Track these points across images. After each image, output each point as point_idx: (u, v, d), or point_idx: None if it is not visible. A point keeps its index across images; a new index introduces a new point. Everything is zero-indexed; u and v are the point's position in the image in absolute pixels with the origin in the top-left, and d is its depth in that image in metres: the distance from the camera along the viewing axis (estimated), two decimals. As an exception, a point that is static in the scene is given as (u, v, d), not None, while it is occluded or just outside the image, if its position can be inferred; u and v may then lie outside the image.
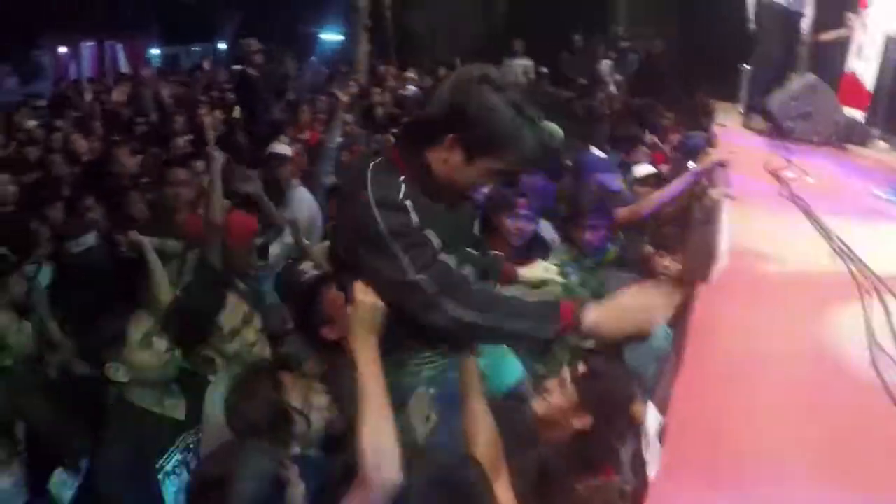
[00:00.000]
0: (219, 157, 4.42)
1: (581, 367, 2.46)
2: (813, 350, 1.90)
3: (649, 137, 6.55)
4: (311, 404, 2.38)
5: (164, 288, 4.02)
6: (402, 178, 2.00)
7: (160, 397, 2.70)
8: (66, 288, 4.25)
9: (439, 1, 19.59)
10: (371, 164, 2.04)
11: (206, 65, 18.90)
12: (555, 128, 6.16)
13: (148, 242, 4.23)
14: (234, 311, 2.85)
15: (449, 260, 2.00)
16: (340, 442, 2.30)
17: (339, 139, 6.30)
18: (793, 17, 5.08)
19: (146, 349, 2.61)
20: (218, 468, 1.97)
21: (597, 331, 1.91)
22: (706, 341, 1.93)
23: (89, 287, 4.14)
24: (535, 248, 4.25)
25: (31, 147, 8.97)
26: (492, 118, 1.94)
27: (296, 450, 2.28)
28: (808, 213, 2.88)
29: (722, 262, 2.36)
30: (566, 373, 2.47)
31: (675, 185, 4.29)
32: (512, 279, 2.67)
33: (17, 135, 10.96)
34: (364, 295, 1.97)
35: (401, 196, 1.96)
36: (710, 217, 3.46)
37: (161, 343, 2.65)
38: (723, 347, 1.92)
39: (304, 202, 5.42)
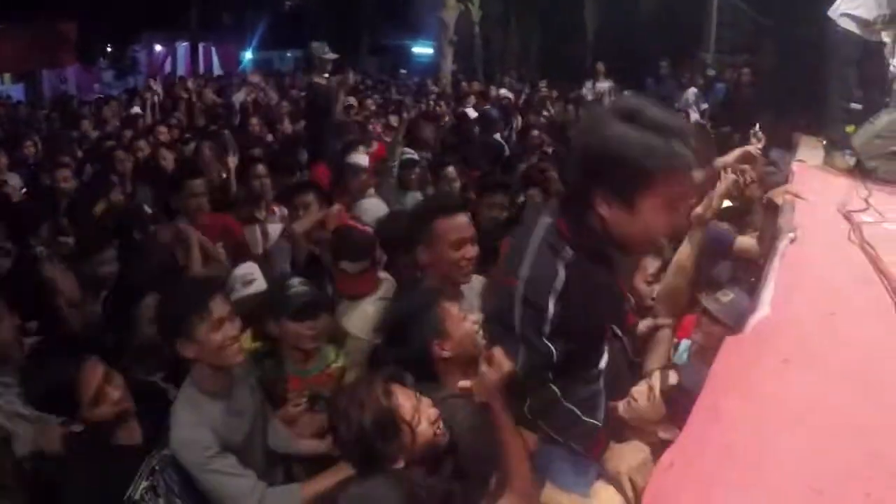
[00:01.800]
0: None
1: (672, 378, 2.42)
2: (856, 432, 1.54)
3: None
4: (419, 417, 2.29)
5: None
6: (566, 255, 1.90)
7: (116, 429, 2.60)
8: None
9: (528, 22, 19.48)
10: (541, 236, 1.96)
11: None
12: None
13: (195, 236, 4.18)
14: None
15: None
16: (443, 460, 2.34)
17: (402, 157, 6.20)
18: (871, 46, 4.63)
19: (99, 404, 2.51)
20: None
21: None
22: (724, 399, 1.63)
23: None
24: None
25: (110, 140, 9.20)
26: (625, 152, 1.73)
27: (400, 464, 2.26)
28: (876, 264, 2.53)
29: (762, 312, 2.05)
30: (655, 381, 2.44)
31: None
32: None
33: (105, 127, 11.30)
34: (505, 360, 2.02)
35: (550, 294, 1.89)
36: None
37: (114, 392, 2.54)
38: (743, 410, 1.61)
39: (371, 212, 5.25)
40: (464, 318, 2.61)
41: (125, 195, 6.18)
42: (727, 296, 3.23)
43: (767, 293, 2.15)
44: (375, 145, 7.63)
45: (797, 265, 2.54)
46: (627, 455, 2.23)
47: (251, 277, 3.55)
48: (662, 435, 2.36)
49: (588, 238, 1.91)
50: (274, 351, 3.21)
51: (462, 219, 3.03)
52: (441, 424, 2.33)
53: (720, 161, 3.89)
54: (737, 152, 3.93)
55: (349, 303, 3.60)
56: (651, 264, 3.20)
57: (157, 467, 2.57)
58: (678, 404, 2.29)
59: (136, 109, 11.67)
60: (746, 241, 4.15)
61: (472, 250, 3.02)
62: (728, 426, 1.47)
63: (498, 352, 2.05)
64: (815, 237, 2.97)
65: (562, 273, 1.89)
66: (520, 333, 1.96)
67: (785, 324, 1.99)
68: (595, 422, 2.13)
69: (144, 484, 2.51)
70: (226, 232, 4.78)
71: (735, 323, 3.04)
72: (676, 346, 3.41)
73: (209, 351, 2.62)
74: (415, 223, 3.16)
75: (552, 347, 1.95)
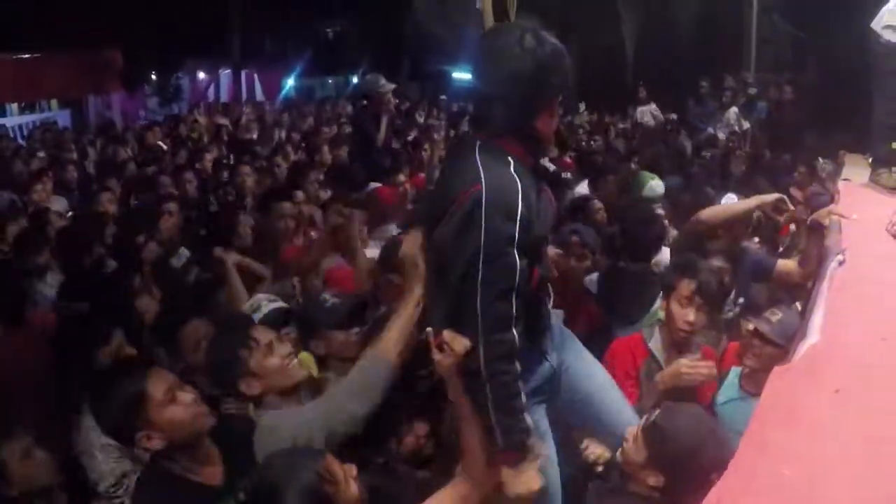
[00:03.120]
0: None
1: (653, 416, 2.25)
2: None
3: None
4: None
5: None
6: (512, 165, 2.05)
7: (195, 461, 2.44)
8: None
9: (567, 44, 19.46)
10: (477, 156, 2.08)
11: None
12: (648, 177, 5.88)
13: (231, 261, 4.19)
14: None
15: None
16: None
17: None
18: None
19: (171, 405, 2.36)
20: (269, 476, 2.01)
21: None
22: (773, 432, 1.56)
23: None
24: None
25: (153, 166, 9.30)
26: (553, 67, 2.09)
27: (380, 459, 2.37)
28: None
29: (812, 339, 1.97)
30: (642, 421, 2.27)
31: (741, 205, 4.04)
32: None
33: (145, 153, 11.44)
34: (455, 341, 2.02)
35: (518, 196, 1.99)
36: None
37: (186, 395, 2.40)
38: (792, 444, 1.53)
39: None
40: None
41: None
42: (776, 315, 3.15)
43: (817, 319, 2.06)
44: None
45: (846, 289, 2.45)
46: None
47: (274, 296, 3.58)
48: (650, 482, 2.20)
49: (532, 148, 2.18)
50: None
51: None
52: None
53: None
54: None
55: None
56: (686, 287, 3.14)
57: None
58: (660, 447, 2.18)
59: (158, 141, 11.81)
60: (788, 264, 4.07)
61: None
62: (777, 460, 1.40)
63: (448, 335, 2.03)
64: (863, 259, 2.87)
65: (517, 179, 2.02)
66: (483, 249, 1.96)
67: (836, 351, 1.91)
68: (527, 425, 2.11)
69: None
70: None
71: (787, 342, 2.98)
72: (725, 375, 3.33)
73: (272, 376, 2.57)
74: None
75: (518, 261, 1.99)
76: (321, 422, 2.41)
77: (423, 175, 7.46)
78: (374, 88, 8.23)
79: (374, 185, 6.11)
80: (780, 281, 3.98)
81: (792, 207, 4.02)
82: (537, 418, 2.27)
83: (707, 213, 3.93)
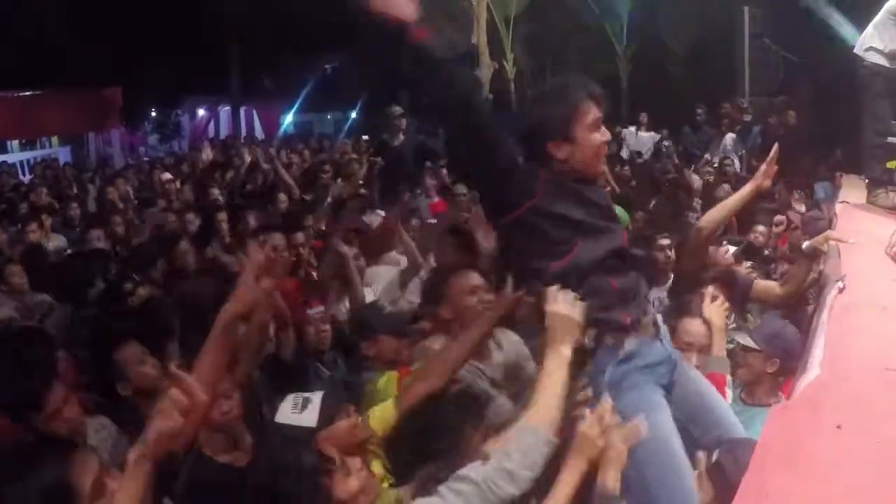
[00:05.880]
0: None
1: (714, 457, 2.23)
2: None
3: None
4: None
5: None
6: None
7: None
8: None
9: (562, 75, 19.55)
10: None
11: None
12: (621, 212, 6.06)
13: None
14: None
15: None
16: None
17: None
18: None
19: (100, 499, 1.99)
20: None
21: None
22: (774, 476, 1.50)
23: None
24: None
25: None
26: (544, 107, 2.49)
27: None
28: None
29: (812, 373, 1.91)
30: (701, 464, 2.26)
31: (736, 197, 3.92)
32: None
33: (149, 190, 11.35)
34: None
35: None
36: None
37: (113, 482, 2.04)
38: (794, 487, 1.47)
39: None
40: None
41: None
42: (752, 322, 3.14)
43: (817, 352, 2.00)
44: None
45: (847, 317, 2.39)
46: None
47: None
48: None
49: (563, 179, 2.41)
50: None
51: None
52: None
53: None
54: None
55: None
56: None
57: None
58: (722, 485, 2.16)
59: (168, 176, 11.69)
60: (767, 284, 4.12)
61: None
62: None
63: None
64: (863, 284, 2.82)
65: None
66: None
67: (836, 384, 1.85)
68: None
69: None
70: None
71: (768, 346, 2.98)
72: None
73: (353, 501, 2.39)
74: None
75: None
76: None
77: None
78: (390, 118, 8.85)
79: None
80: (758, 300, 4.01)
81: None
82: (648, 391, 2.23)
83: (705, 220, 3.92)
